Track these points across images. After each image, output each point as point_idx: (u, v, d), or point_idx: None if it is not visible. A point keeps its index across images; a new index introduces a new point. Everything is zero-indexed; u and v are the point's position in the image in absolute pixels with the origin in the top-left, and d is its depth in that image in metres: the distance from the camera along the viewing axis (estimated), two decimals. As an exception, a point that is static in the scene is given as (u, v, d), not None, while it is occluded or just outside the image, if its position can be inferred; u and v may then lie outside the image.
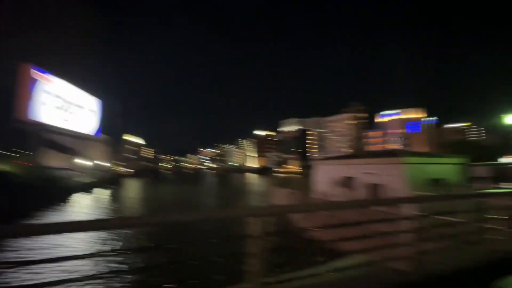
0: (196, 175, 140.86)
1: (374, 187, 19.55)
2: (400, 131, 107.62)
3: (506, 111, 12.91)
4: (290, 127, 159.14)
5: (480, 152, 38.30)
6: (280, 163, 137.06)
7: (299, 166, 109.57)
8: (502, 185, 15.19)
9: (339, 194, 21.82)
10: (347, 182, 22.13)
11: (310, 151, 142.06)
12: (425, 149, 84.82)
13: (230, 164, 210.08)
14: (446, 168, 18.51)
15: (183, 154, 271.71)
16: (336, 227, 2.64)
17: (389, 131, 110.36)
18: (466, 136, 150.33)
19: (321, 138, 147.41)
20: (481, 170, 14.35)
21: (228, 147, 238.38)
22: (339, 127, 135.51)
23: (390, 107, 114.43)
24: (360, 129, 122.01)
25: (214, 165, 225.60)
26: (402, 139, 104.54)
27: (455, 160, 18.60)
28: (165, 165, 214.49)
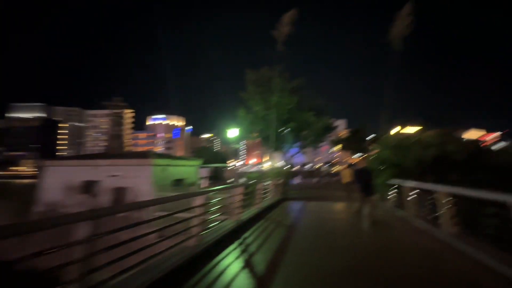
0: None
1: (121, 191, 18.05)
2: (167, 135, 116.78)
3: (228, 126, 17.13)
4: (27, 113, 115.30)
5: (217, 157, 51.06)
6: (4, 162, 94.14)
7: (35, 167, 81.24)
8: (220, 183, 20.60)
9: (75, 204, 17.81)
10: (88, 188, 18.72)
11: (60, 148, 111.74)
12: (181, 153, 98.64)
13: None
14: (187, 169, 21.69)
15: None
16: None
17: (158, 134, 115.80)
18: (213, 144, 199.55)
19: (78, 134, 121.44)
20: (203, 171, 18.37)
21: None
22: (101, 123, 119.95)
23: (161, 111, 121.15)
24: (118, 126, 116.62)
25: None
26: (165, 142, 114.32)
27: (194, 162, 22.59)
28: None
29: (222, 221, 5.77)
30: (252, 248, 4.76)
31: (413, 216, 7.21)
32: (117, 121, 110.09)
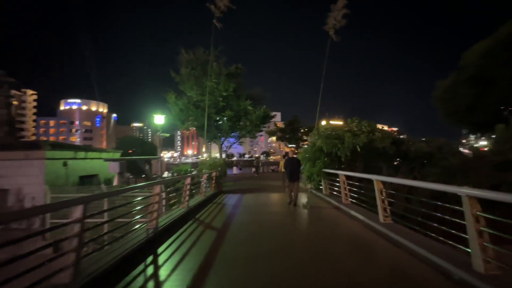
0: None
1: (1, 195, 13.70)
2: (86, 123, 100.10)
3: (155, 112, 14.65)
4: None
5: (146, 148, 45.92)
6: None
7: None
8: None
9: None
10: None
11: None
12: (104, 144, 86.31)
13: None
14: (101, 163, 18.09)
15: None
16: None
17: (76, 122, 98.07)
18: (145, 135, 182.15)
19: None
20: (113, 165, 15.47)
21: None
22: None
23: (78, 94, 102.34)
24: (5, 109, 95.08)
25: None
26: (84, 131, 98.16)
27: (111, 155, 19.03)
28: None
29: (124, 235, 4.24)
30: (164, 271, 3.47)
31: (344, 204, 7.13)
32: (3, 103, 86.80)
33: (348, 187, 7.62)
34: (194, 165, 23.72)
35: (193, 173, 12.22)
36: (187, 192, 7.39)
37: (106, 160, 15.98)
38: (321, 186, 10.51)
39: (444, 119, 31.32)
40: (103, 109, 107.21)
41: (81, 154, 15.60)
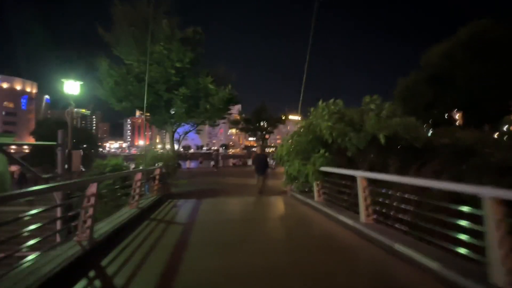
0: None
1: None
2: (8, 104, 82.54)
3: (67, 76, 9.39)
4: None
5: (82, 137, 38.43)
6: None
7: None
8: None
9: None
10: None
11: None
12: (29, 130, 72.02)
13: None
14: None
15: None
16: None
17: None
18: (85, 122, 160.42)
19: None
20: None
21: None
22: None
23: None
24: None
25: None
26: (3, 114, 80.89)
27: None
28: None
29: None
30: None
31: (366, 225, 4.37)
32: None
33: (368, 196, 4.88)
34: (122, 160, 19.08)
35: (125, 171, 8.32)
36: (90, 212, 3.77)
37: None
38: (307, 188, 7.76)
39: (403, 116, 32.24)
40: (31, 88, 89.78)
41: None
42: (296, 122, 8.27)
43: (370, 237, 4.06)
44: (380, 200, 4.53)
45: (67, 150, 7.60)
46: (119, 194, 6.50)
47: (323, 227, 5.07)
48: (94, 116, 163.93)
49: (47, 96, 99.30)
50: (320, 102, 7.97)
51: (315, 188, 6.91)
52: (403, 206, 4.07)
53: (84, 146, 25.90)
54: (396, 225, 3.99)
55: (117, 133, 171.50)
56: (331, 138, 6.22)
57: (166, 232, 4.70)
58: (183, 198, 8.34)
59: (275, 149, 11.62)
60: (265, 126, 25.71)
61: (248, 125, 26.80)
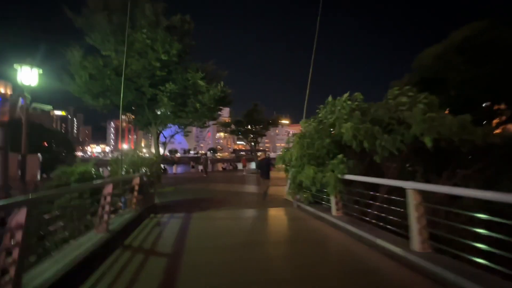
0: None
1: None
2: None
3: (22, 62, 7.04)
4: None
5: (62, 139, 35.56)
6: None
7: None
8: None
9: None
10: None
11: None
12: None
13: None
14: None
15: None
16: None
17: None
18: (66, 125, 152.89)
19: None
20: None
21: None
22: None
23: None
24: None
25: None
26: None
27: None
28: None
29: None
30: None
31: (421, 255, 3.14)
32: None
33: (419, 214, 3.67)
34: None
35: (88, 183, 6.68)
36: (15, 255, 2.30)
37: None
38: (319, 199, 6.51)
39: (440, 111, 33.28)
40: (5, 90, 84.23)
41: None
42: (304, 122, 7.00)
43: (433, 273, 2.95)
44: (439, 219, 3.36)
45: (20, 155, 5.97)
46: (91, 209, 4.97)
47: (356, 256, 3.79)
48: (75, 119, 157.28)
49: (24, 97, 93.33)
50: (329, 99, 6.81)
51: (333, 200, 5.66)
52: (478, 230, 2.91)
53: (58, 150, 23.58)
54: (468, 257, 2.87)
55: (100, 136, 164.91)
56: (355, 142, 4.99)
57: (142, 274, 3.25)
58: (169, 212, 6.86)
59: (263, 154, 10.91)
60: (258, 128, 24.38)
61: (240, 127, 25.41)
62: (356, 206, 5.20)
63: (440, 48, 30.92)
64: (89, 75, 10.70)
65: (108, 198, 4.70)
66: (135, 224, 5.54)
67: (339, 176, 5.10)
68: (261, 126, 24.70)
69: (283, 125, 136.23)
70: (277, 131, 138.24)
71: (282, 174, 8.60)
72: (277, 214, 6.81)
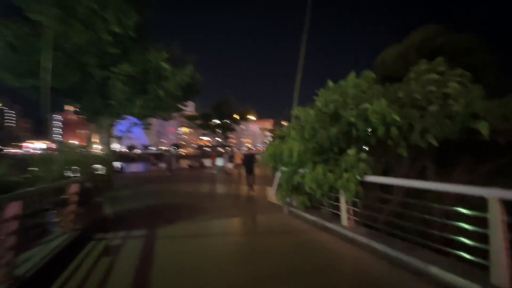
0: None
1: None
2: None
3: None
4: None
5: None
6: None
7: None
8: None
9: None
10: None
11: None
12: None
13: None
14: None
15: None
16: None
17: None
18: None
19: None
20: None
21: None
22: None
23: None
24: None
25: None
26: None
27: None
28: None
29: None
30: None
31: None
32: None
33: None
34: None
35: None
36: None
37: None
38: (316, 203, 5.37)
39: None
40: None
41: None
42: (299, 109, 5.70)
43: None
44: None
45: None
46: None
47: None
48: (13, 111, 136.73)
49: None
50: (330, 83, 5.68)
51: (343, 206, 4.51)
52: None
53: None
54: None
55: (44, 131, 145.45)
56: (383, 129, 3.88)
57: None
58: (124, 228, 5.06)
59: (231, 150, 9.72)
60: (228, 122, 22.63)
61: (207, 122, 23.41)
62: (376, 214, 4.13)
63: (402, 47, 32.67)
64: (9, 46, 8.01)
65: (16, 224, 2.86)
66: (70, 254, 3.73)
67: (359, 178, 3.94)
68: (231, 120, 23.05)
69: (249, 120, 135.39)
70: (243, 126, 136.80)
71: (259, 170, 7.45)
72: (269, 225, 5.46)
